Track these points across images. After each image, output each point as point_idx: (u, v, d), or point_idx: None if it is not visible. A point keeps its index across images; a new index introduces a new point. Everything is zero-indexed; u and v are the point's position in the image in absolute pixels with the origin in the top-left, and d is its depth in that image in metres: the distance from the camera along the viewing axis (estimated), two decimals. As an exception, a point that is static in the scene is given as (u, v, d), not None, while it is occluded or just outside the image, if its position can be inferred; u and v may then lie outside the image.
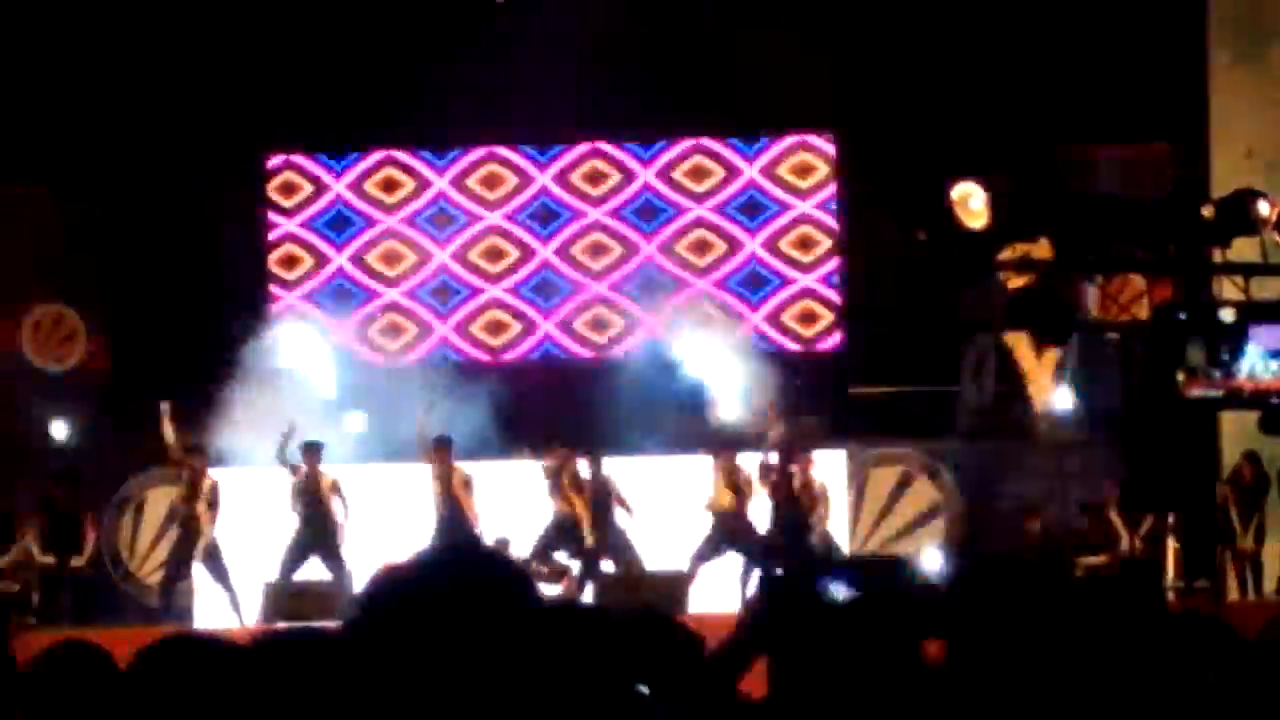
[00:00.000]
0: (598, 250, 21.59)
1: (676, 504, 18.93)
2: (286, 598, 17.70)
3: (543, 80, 19.99)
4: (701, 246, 21.47)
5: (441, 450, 18.39)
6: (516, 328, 21.75)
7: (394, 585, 2.49)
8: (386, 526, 18.30)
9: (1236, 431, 18.23)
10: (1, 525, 19.10)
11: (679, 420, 19.49)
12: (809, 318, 21.24)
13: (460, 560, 2.52)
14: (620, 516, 18.34)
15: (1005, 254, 16.98)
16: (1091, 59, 19.17)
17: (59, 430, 20.25)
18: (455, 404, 19.25)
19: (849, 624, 2.82)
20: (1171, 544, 16.78)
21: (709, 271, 21.41)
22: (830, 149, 21.39)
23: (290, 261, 21.98)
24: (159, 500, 20.14)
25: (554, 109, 20.50)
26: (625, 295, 21.43)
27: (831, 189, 21.33)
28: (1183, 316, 14.40)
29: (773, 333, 21.05)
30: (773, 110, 20.75)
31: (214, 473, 19.29)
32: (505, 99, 20.62)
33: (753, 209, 21.49)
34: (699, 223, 21.50)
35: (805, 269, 21.34)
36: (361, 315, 21.72)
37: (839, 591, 2.74)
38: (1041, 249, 17.47)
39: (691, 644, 3.95)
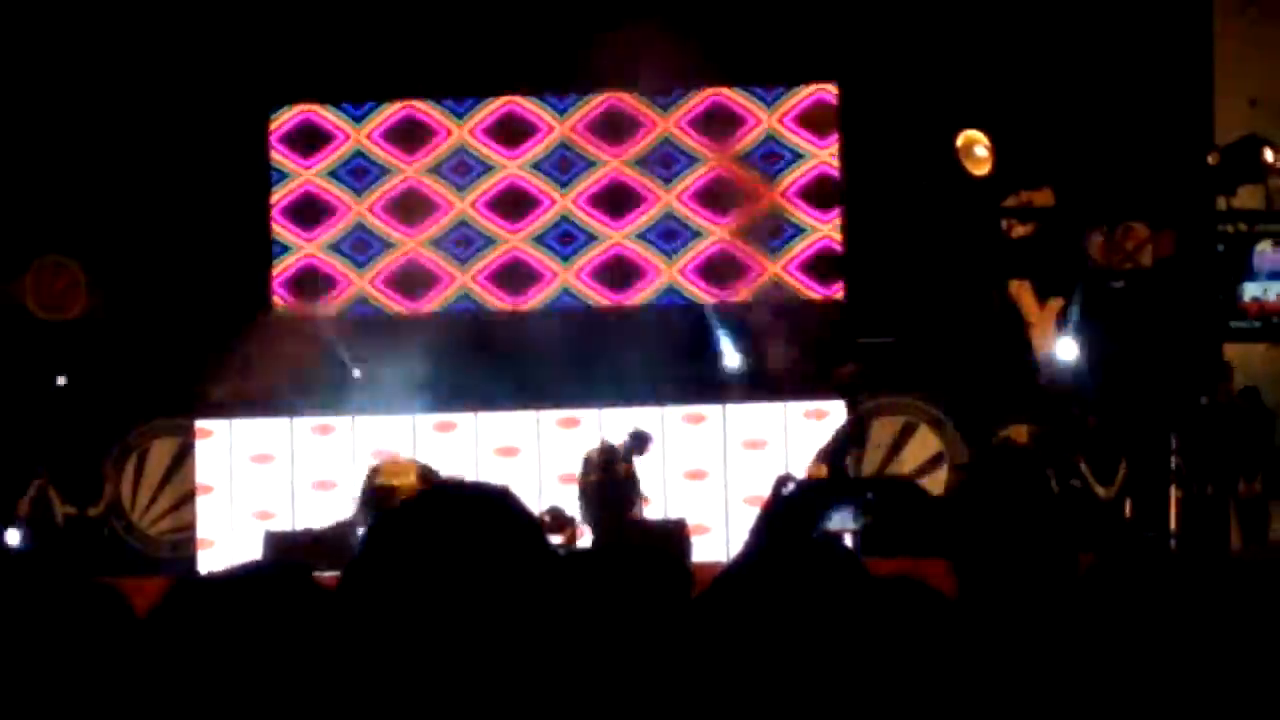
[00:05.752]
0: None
1: (686, 454, 18.92)
2: (288, 547, 17.68)
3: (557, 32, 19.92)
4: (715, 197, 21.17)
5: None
6: (536, 277, 21.34)
7: (399, 526, 2.47)
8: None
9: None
10: (11, 477, 19.04)
11: (690, 370, 19.53)
12: (814, 267, 21.10)
13: (467, 501, 2.50)
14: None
15: (1009, 202, 16.98)
16: (1094, 7, 19.05)
17: (62, 381, 20.21)
18: (473, 354, 19.34)
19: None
20: (1174, 492, 16.71)
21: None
22: (833, 99, 21.18)
23: (301, 213, 21.54)
24: (161, 451, 20.15)
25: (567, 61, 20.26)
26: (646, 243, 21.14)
27: (835, 139, 21.13)
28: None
29: (791, 280, 20.82)
30: (775, 61, 20.63)
31: (214, 424, 19.39)
32: (517, 49, 20.41)
33: (770, 159, 21.22)
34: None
35: (815, 218, 21.16)
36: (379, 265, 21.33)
37: (847, 520, 2.70)
38: (1044, 196, 17.45)
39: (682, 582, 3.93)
